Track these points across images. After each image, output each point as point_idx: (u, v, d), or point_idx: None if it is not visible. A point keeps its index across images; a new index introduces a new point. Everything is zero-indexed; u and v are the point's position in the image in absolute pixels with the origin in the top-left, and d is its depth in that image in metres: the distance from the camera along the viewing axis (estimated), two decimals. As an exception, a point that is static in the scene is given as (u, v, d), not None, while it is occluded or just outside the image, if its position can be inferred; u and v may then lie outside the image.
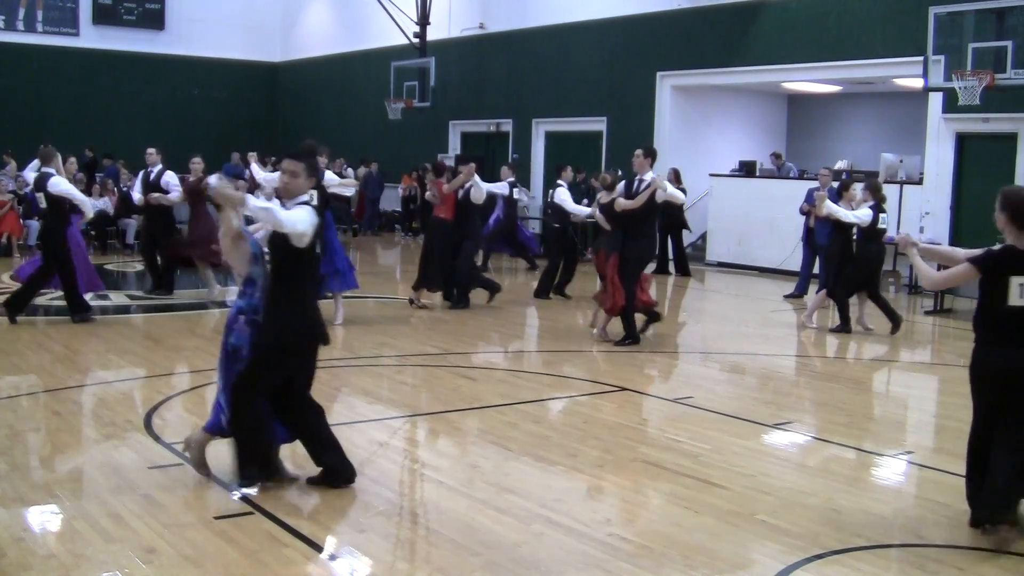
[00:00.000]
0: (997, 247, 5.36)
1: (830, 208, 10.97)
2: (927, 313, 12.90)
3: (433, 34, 22.11)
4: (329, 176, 11.01)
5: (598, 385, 8.17)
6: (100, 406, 7.29)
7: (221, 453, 6.08)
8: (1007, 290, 5.06)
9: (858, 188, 11.59)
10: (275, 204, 5.27)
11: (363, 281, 14.62)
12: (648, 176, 9.61)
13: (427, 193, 12.56)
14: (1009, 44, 12.48)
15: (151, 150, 12.45)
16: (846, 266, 11.13)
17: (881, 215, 11.06)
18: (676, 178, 16.79)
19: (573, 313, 12.46)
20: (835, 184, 12.54)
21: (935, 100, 14.57)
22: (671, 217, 16.45)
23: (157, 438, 6.29)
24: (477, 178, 12.05)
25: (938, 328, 12.12)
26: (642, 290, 10.08)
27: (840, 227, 11.13)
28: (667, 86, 18.49)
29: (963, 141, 14.67)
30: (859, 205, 11.10)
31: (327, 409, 7.48)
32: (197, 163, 12.58)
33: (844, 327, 11.24)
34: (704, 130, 18.91)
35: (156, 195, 12.30)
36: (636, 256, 9.83)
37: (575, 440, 6.50)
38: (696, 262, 17.99)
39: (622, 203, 9.72)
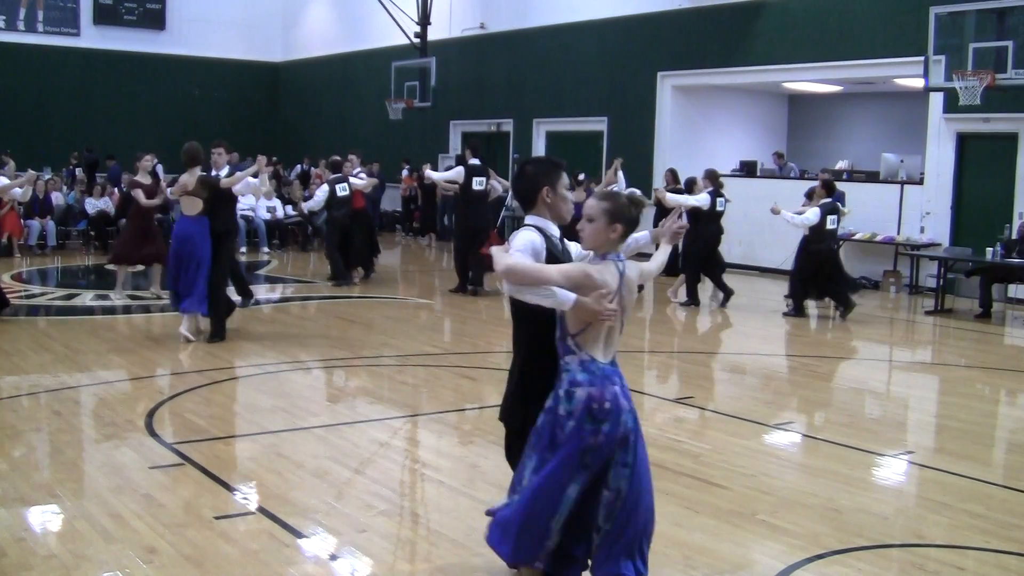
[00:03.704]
0: None
1: (673, 198, 12.73)
2: (927, 313, 12.90)
3: (433, 34, 22.11)
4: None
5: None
6: (100, 406, 7.29)
7: (222, 453, 6.09)
8: None
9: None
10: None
11: (364, 280, 14.67)
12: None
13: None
14: (1010, 44, 12.48)
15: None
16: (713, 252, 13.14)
17: (719, 199, 12.87)
18: (674, 178, 16.79)
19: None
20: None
21: (936, 100, 14.57)
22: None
23: (157, 438, 6.29)
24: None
25: (938, 328, 12.11)
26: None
27: (695, 217, 12.56)
28: (667, 86, 18.48)
29: (964, 141, 14.66)
30: (699, 192, 13.04)
31: (328, 409, 7.52)
32: (148, 160, 12.50)
33: (692, 301, 12.98)
34: (705, 130, 18.90)
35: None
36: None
37: (575, 440, 6.49)
38: (697, 262, 17.95)
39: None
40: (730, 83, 18.19)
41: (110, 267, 12.38)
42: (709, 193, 12.79)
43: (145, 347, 9.39)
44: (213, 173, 9.72)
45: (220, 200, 9.49)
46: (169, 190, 10.79)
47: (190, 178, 9.37)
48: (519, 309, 3.79)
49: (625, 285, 3.68)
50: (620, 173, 14.54)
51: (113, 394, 7.62)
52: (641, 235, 4.11)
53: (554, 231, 3.86)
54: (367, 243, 14.76)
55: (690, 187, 13.43)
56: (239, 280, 11.86)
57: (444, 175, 14.14)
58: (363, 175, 15.36)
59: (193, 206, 9.36)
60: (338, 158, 15.05)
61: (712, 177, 13.06)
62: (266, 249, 18.75)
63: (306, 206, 14.42)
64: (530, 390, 3.81)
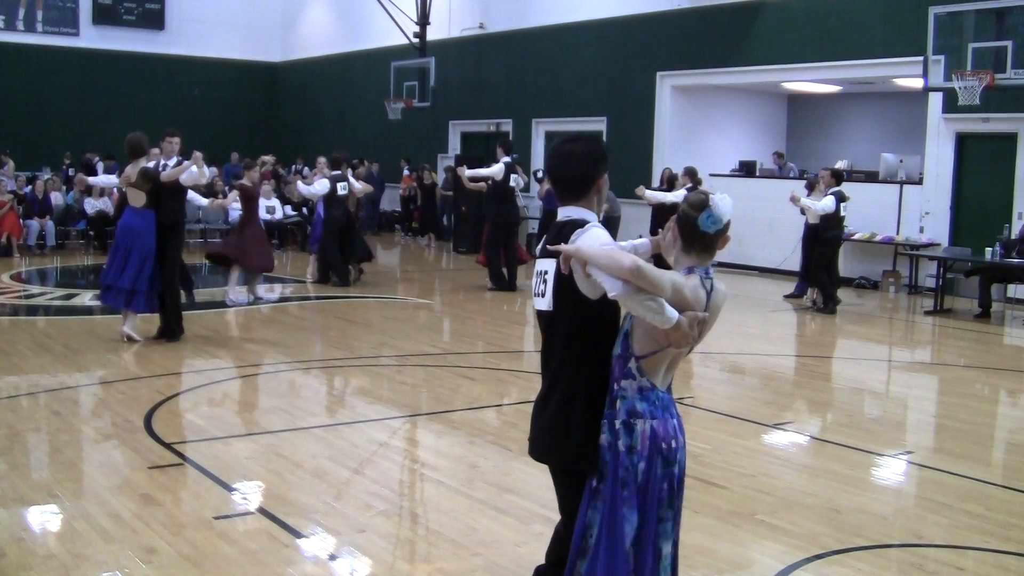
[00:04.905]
0: None
1: (651, 195, 13.75)
2: (927, 313, 12.90)
3: (433, 34, 22.11)
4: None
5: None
6: (100, 406, 7.29)
7: (221, 453, 6.08)
8: None
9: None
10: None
11: (364, 281, 14.68)
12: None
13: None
14: (1009, 44, 12.47)
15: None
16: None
17: None
18: (670, 180, 16.82)
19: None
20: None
21: (935, 100, 14.57)
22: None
23: (157, 438, 6.28)
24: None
25: (937, 328, 12.12)
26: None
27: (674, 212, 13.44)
28: (667, 86, 18.48)
29: (963, 141, 14.67)
30: (679, 188, 13.68)
31: (327, 409, 7.52)
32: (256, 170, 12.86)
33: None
34: (704, 130, 18.89)
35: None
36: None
37: (575, 440, 6.49)
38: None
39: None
40: (729, 83, 18.18)
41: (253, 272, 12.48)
42: (687, 190, 13.19)
43: (144, 347, 9.37)
44: (162, 163, 9.44)
45: (166, 192, 9.26)
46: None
47: (132, 170, 9.25)
48: (585, 323, 3.15)
49: (712, 306, 3.13)
50: None
51: (112, 394, 7.61)
52: (641, 242, 3.64)
53: None
54: (357, 242, 14.80)
55: (671, 184, 13.81)
56: (183, 274, 11.65)
57: (484, 171, 14.19)
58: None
59: (137, 198, 9.21)
60: (338, 155, 15.00)
61: (691, 174, 13.53)
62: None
63: (305, 190, 14.26)
64: (598, 421, 3.19)
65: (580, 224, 3.13)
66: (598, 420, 3.17)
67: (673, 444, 3.12)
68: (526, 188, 17.28)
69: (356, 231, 14.75)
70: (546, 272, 3.19)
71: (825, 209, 12.58)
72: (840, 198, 12.74)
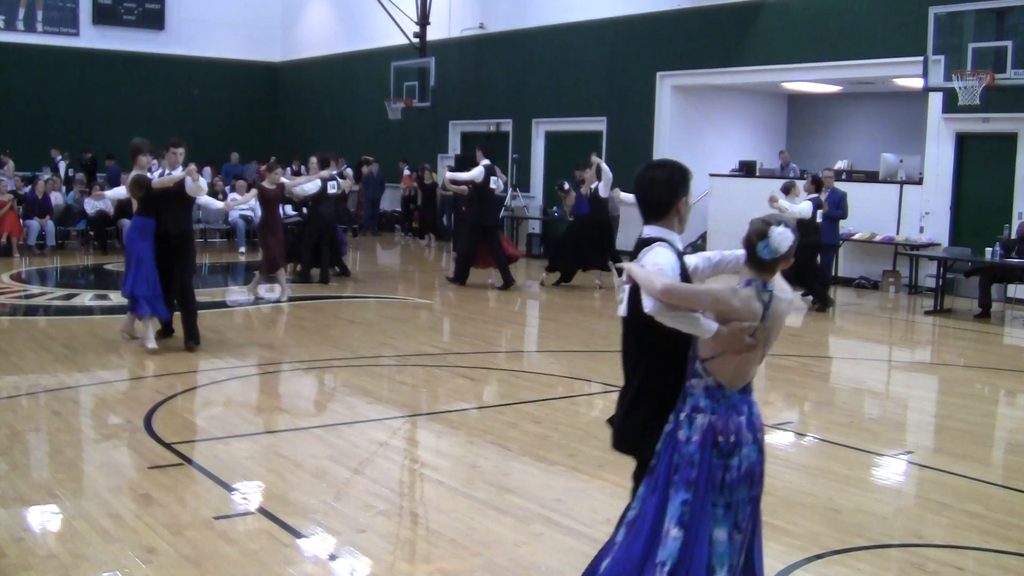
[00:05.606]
0: None
1: (627, 197, 13.83)
2: (927, 313, 12.90)
3: (433, 34, 22.10)
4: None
5: (598, 385, 8.17)
6: (100, 406, 7.29)
7: (221, 453, 6.08)
8: None
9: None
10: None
11: (364, 280, 14.70)
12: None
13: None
14: (1009, 44, 12.48)
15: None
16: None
17: None
18: None
19: (573, 313, 12.46)
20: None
21: (935, 100, 14.57)
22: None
23: (157, 438, 6.28)
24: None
25: (937, 328, 12.12)
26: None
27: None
28: (667, 86, 18.47)
29: (963, 141, 14.66)
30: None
31: (327, 409, 7.52)
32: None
33: None
34: (704, 130, 18.89)
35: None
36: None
37: (575, 440, 6.50)
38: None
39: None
40: (729, 83, 18.18)
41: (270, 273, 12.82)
42: None
43: (144, 348, 9.36)
44: (166, 172, 9.16)
45: (169, 201, 8.99)
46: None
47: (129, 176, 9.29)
48: (654, 329, 3.31)
49: (770, 317, 3.30)
50: (605, 168, 14.05)
51: (112, 394, 7.61)
52: (730, 254, 3.83)
53: (679, 245, 3.52)
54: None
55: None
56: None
57: (465, 175, 14.29)
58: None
59: (134, 204, 9.17)
60: (327, 154, 15.17)
61: None
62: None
63: (297, 187, 14.20)
64: (664, 416, 3.41)
65: (651, 242, 3.46)
66: (664, 415, 3.39)
67: (732, 439, 3.28)
68: (518, 187, 17.32)
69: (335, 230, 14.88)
70: (625, 283, 3.51)
71: (802, 213, 12.43)
72: (818, 205, 12.75)
